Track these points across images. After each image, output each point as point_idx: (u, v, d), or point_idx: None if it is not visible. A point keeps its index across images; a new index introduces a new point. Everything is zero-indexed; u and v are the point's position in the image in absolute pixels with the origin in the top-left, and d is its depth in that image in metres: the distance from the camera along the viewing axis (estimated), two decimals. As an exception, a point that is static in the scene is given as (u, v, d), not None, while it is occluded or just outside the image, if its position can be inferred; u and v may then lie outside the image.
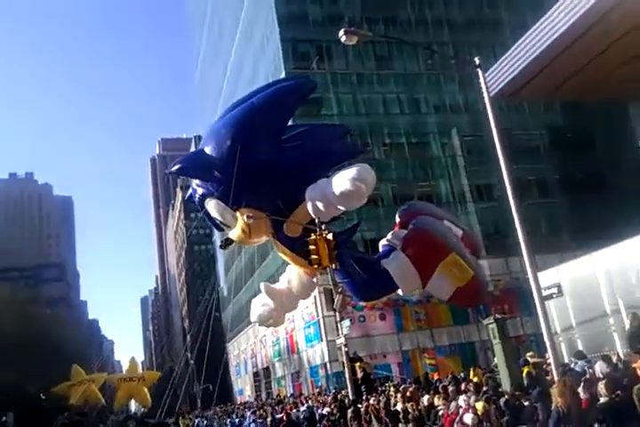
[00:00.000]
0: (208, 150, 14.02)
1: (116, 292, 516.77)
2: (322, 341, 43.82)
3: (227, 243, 15.15)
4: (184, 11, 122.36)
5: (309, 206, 13.18)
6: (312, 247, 16.92)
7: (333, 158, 13.95)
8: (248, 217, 13.60)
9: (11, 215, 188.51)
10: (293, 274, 15.76)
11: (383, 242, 16.09)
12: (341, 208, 12.93)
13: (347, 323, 24.03)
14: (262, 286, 15.23)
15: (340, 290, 17.54)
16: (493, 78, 18.64)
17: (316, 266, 16.47)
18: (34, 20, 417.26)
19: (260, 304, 15.51)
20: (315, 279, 15.74)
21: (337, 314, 23.41)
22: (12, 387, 62.79)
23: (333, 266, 16.60)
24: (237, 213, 13.73)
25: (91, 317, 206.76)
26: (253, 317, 15.62)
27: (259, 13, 57.16)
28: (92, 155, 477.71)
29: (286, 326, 52.03)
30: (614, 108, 37.27)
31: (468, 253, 14.30)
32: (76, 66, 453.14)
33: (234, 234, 14.22)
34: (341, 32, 16.34)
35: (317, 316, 43.98)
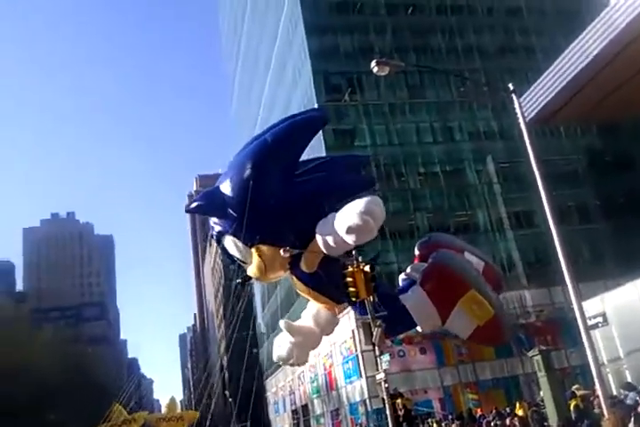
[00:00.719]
0: (223, 188, 14.01)
1: (155, 330, 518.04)
2: (361, 376, 42.87)
3: (244, 280, 15.04)
4: (219, 46, 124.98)
5: (320, 242, 12.94)
6: (349, 280, 16.58)
7: (346, 191, 13.78)
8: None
9: (53, 255, 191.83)
10: (315, 310, 15.38)
11: (402, 276, 15.75)
12: (351, 243, 12.63)
13: (386, 357, 23.44)
14: (282, 323, 14.87)
15: (378, 323, 17.06)
16: (528, 104, 18.37)
17: (353, 299, 16.15)
18: (74, 70, 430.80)
19: (282, 343, 15.13)
20: (337, 315, 15.34)
21: (376, 348, 22.96)
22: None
23: (371, 298, 16.24)
24: (252, 250, 13.59)
25: (130, 355, 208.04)
26: (275, 356, 15.26)
27: (291, 47, 58.00)
28: (131, 193, 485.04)
29: (324, 361, 51.28)
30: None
31: (489, 288, 13.89)
32: (113, 105, 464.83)
33: (251, 271, 14.10)
34: (373, 63, 16.24)
35: (356, 351, 43.16)
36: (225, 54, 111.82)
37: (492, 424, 24.85)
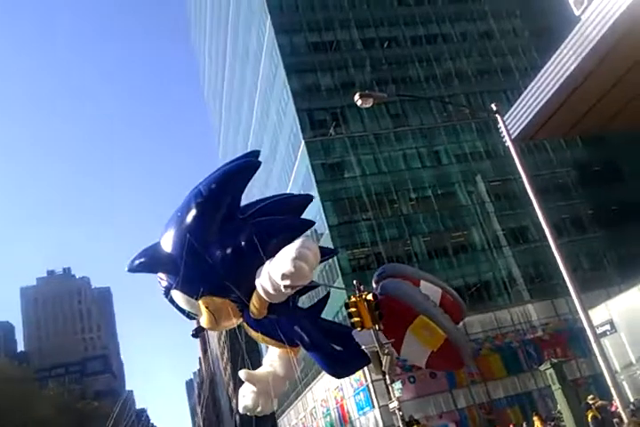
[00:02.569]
0: (163, 243, 14.13)
1: (161, 378, 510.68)
2: (374, 407, 42.47)
3: (198, 331, 15.10)
4: (202, 98, 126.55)
5: (260, 291, 13.01)
6: (352, 310, 16.64)
7: (285, 235, 13.73)
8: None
9: (51, 313, 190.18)
10: (273, 356, 15.39)
11: None
12: (289, 290, 12.67)
13: (398, 385, 23.40)
14: (241, 373, 14.86)
15: (386, 351, 17.05)
16: (512, 122, 18.74)
17: (358, 329, 16.11)
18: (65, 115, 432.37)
19: (246, 393, 15.11)
20: (295, 357, 15.26)
21: (386, 377, 22.92)
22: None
23: (377, 327, 16.25)
24: (200, 302, 13.68)
25: (138, 406, 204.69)
26: (241, 407, 15.24)
27: (273, 89, 58.97)
28: (125, 242, 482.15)
29: (335, 395, 50.79)
30: (636, 134, 36.84)
31: (441, 312, 13.92)
32: (101, 152, 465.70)
33: (203, 322, 14.14)
34: (356, 96, 16.40)
35: (366, 381, 42.85)
36: (209, 107, 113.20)
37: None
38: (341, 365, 15.01)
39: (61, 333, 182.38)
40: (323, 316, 16.72)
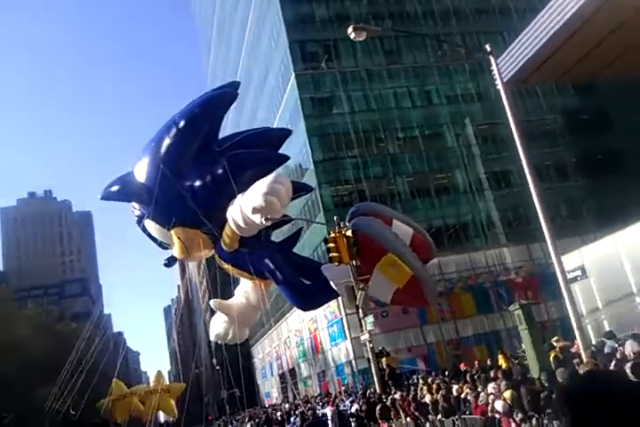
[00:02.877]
0: (136, 173, 14.06)
1: (140, 303, 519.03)
2: (346, 339, 43.80)
3: (170, 261, 15.34)
4: (192, 24, 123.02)
5: (231, 223, 13.13)
6: (331, 245, 16.88)
7: (259, 168, 13.76)
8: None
9: (31, 233, 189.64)
10: (247, 286, 15.69)
11: None
12: (259, 223, 12.77)
13: (370, 319, 24.03)
14: (212, 302, 15.17)
15: (361, 286, 17.45)
16: (505, 64, 18.53)
17: (336, 263, 16.37)
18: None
19: (218, 321, 15.49)
20: (265, 289, 15.60)
21: (360, 311, 23.48)
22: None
23: (354, 262, 16.54)
24: (171, 232, 13.77)
25: (115, 330, 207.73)
26: (213, 335, 15.63)
27: (265, 18, 57.46)
28: (109, 167, 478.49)
29: (309, 326, 52.08)
30: (629, 85, 36.36)
31: (409, 251, 14.20)
32: (92, 80, 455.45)
33: (175, 252, 14.35)
34: (350, 29, 16.07)
35: (340, 314, 43.93)
36: (200, 31, 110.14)
37: (476, 377, 25.45)
38: (309, 298, 15.36)
39: (41, 254, 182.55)
40: (302, 250, 17.07)
